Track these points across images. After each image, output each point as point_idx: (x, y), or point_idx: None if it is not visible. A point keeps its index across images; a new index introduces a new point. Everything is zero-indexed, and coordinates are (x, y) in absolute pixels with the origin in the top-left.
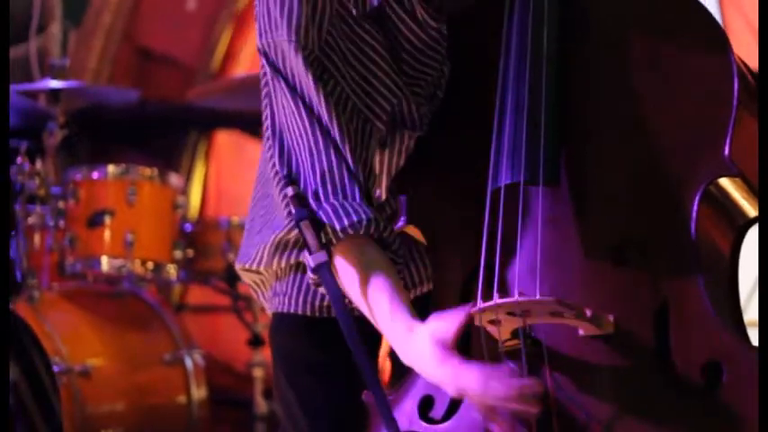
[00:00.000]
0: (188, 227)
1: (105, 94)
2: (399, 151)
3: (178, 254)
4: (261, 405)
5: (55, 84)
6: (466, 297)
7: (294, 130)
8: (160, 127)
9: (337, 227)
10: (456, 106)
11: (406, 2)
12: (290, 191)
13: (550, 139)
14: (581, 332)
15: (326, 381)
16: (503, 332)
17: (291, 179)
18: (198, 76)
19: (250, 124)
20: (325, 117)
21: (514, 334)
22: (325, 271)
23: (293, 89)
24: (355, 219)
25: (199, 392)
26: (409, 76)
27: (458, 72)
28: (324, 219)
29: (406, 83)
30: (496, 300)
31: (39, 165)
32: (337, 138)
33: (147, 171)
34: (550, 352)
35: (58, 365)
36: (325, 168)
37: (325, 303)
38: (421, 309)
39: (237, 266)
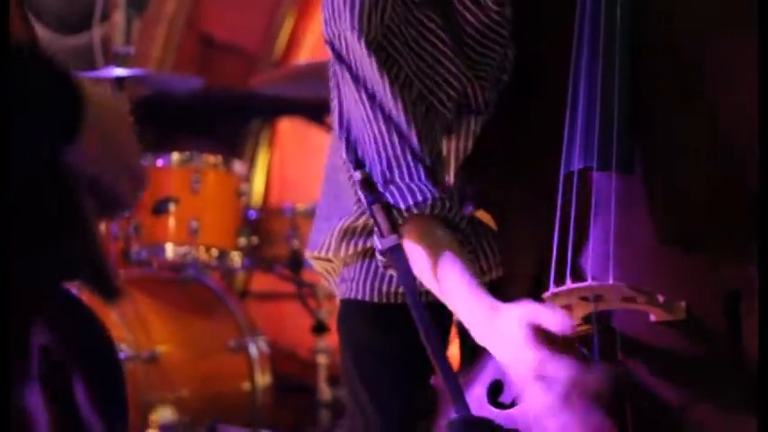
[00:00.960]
0: (252, 214)
1: (169, 81)
2: (466, 136)
3: (242, 241)
4: (325, 392)
5: (119, 72)
6: (537, 283)
7: (359, 119)
8: (224, 114)
9: (402, 206)
10: (525, 90)
11: None
12: (357, 175)
13: (624, 125)
14: (652, 318)
15: (394, 367)
16: (574, 317)
17: (359, 164)
18: (261, 64)
19: (313, 111)
20: (389, 104)
21: (586, 319)
22: (397, 254)
23: (356, 78)
24: (420, 198)
25: (263, 379)
26: (473, 61)
27: (526, 55)
28: (390, 200)
29: (470, 67)
30: (569, 284)
31: None
32: (402, 123)
33: (212, 158)
34: (622, 337)
35: (125, 352)
36: (390, 154)
37: (392, 289)
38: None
39: (308, 254)
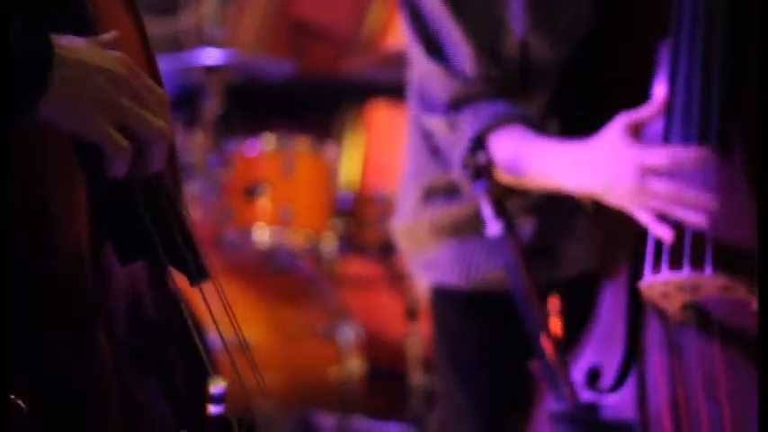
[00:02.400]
0: (345, 199)
1: (261, 65)
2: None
3: (335, 225)
4: (417, 378)
5: (212, 54)
6: (635, 272)
7: (422, 65)
8: (316, 98)
9: (475, 128)
10: (613, 62)
11: None
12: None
13: (724, 105)
14: (753, 306)
15: (487, 354)
16: (673, 305)
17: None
18: (350, 47)
19: (404, 94)
20: (448, 42)
21: (684, 307)
22: (503, 240)
23: (416, 17)
24: (494, 112)
25: (354, 365)
26: (543, 12)
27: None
28: (465, 124)
29: (540, 21)
30: (666, 275)
31: (196, 136)
32: (458, 59)
33: (304, 142)
34: (721, 326)
35: (215, 339)
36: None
37: (485, 275)
38: (586, 288)
39: (393, 226)
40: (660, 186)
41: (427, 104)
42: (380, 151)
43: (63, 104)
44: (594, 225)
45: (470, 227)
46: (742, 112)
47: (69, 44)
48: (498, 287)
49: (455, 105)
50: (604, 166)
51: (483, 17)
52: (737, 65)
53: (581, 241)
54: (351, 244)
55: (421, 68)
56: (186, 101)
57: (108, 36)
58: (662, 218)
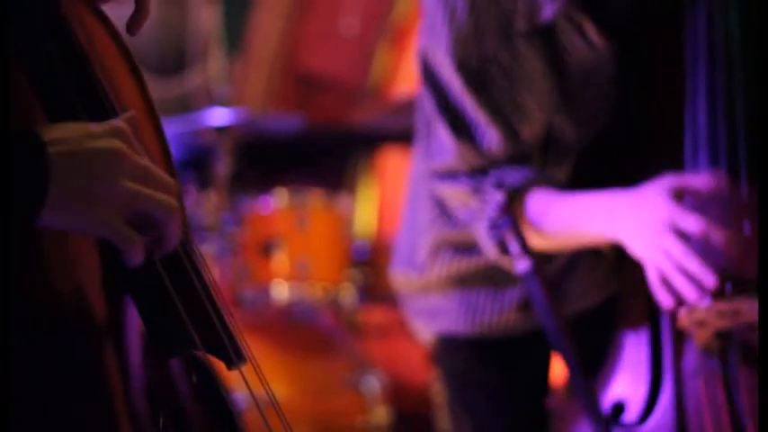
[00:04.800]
0: (361, 248)
1: (270, 121)
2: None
3: (353, 276)
4: (444, 422)
5: (220, 114)
6: (655, 304)
7: (446, 141)
8: (327, 150)
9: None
10: (634, 101)
11: (575, 19)
12: (498, 197)
13: (749, 130)
14: None
15: (500, 399)
16: (705, 333)
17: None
18: (358, 97)
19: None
20: (473, 128)
21: (717, 336)
22: (531, 278)
23: (441, 97)
24: (518, 178)
25: (381, 414)
26: (569, 94)
27: (633, 62)
28: (492, 187)
29: (566, 103)
30: (709, 302)
31: (209, 196)
32: (484, 139)
33: (317, 195)
34: (753, 352)
35: (241, 398)
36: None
37: (489, 320)
38: (605, 316)
39: (394, 274)
40: (674, 248)
41: (448, 175)
42: (394, 198)
43: (63, 208)
44: (596, 261)
45: (477, 278)
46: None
47: (61, 135)
48: (504, 333)
49: (481, 173)
50: (637, 215)
51: (506, 100)
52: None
53: (584, 277)
54: (369, 293)
55: (444, 144)
56: (197, 162)
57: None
58: (668, 284)
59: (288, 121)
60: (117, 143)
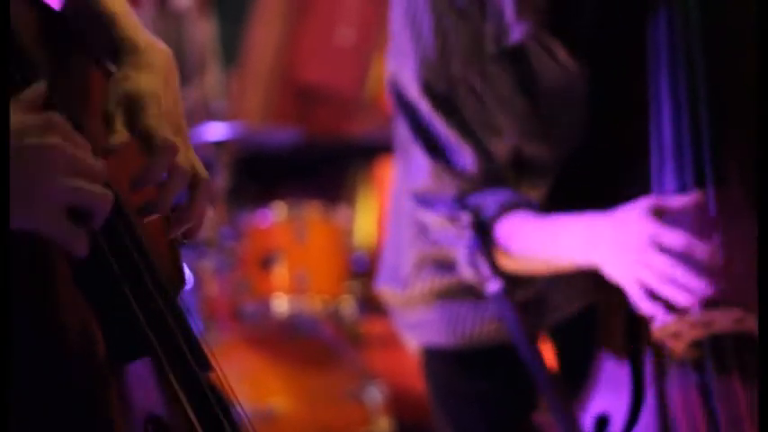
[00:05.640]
0: (361, 259)
1: (267, 135)
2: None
3: (352, 287)
4: None
5: (218, 129)
6: (632, 317)
7: (422, 163)
8: (325, 162)
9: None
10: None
11: (544, 41)
12: (466, 218)
13: (714, 136)
14: None
15: (484, 409)
16: (683, 343)
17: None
18: (355, 108)
19: None
20: (446, 143)
21: (694, 345)
22: (501, 300)
23: (413, 120)
24: (492, 204)
25: (383, 425)
26: (542, 117)
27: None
28: (468, 217)
29: (538, 124)
30: (679, 315)
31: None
32: (459, 160)
33: (315, 208)
34: (737, 359)
35: (242, 411)
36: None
37: (471, 331)
38: (585, 326)
39: (380, 287)
40: (658, 262)
41: (427, 201)
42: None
43: None
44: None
45: (458, 292)
46: (731, 138)
47: None
48: (486, 343)
49: (459, 200)
50: (615, 237)
51: (477, 121)
52: (722, 97)
53: (566, 284)
54: (370, 304)
55: (420, 166)
56: None
57: (33, 91)
58: (653, 297)
59: (285, 134)
60: (51, 138)
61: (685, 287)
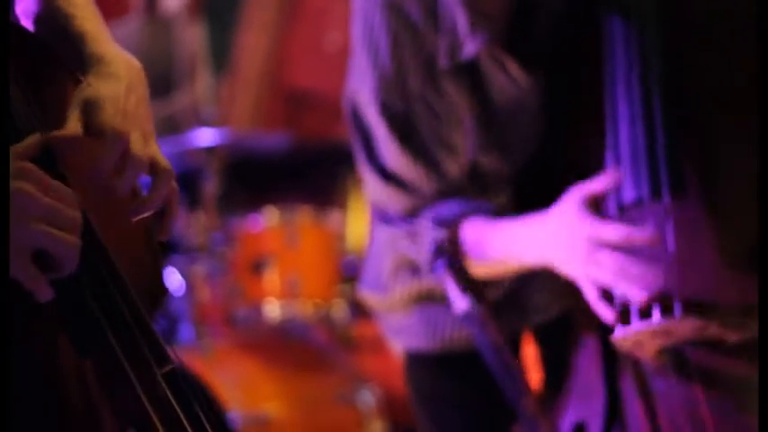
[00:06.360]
0: (353, 263)
1: (258, 140)
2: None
3: (344, 291)
4: None
5: (208, 134)
6: (605, 326)
7: (376, 186)
8: (316, 166)
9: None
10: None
11: (497, 56)
12: (433, 237)
13: (671, 146)
14: (727, 340)
15: (464, 414)
16: (648, 352)
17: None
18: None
19: None
20: (399, 170)
21: (660, 352)
22: (470, 319)
23: (367, 144)
24: (448, 215)
25: (377, 428)
26: (495, 130)
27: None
28: (426, 230)
29: (493, 136)
30: (636, 326)
31: (199, 216)
32: (413, 180)
33: (306, 212)
34: (700, 366)
35: (235, 416)
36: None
37: (450, 335)
38: (557, 333)
39: (363, 292)
40: (608, 259)
41: (385, 218)
42: None
43: None
44: (555, 272)
45: (435, 296)
46: (691, 148)
47: None
48: (465, 346)
49: (413, 214)
50: (560, 238)
51: (432, 138)
52: (681, 107)
53: (545, 288)
54: (361, 308)
55: (375, 188)
56: (186, 183)
57: (26, 144)
58: (607, 295)
59: (276, 139)
60: (22, 185)
61: (636, 277)
